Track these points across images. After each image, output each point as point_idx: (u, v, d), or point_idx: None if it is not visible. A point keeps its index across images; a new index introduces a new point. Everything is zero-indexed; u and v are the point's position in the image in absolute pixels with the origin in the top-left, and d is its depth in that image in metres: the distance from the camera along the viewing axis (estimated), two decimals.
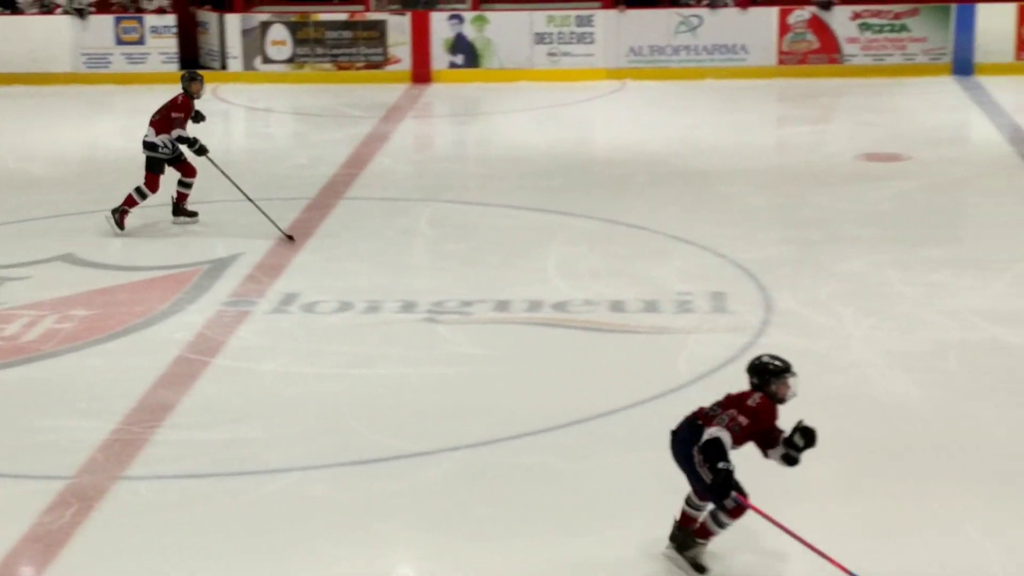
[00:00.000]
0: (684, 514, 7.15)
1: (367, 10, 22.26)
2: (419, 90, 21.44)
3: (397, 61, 22.00)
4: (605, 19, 21.62)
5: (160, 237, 13.59)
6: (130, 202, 13.58)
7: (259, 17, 22.20)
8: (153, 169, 13.59)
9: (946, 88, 20.48)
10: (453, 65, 21.90)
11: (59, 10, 22.46)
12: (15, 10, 22.80)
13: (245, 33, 22.08)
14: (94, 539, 7.67)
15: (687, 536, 7.11)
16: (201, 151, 13.44)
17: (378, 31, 21.97)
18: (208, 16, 22.35)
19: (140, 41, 22.20)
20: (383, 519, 7.81)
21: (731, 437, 6.74)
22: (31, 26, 22.47)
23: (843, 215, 13.83)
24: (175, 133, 13.44)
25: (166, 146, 13.50)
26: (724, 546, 7.17)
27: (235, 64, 22.11)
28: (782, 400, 6.92)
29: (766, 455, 7.01)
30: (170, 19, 22.21)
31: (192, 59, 22.13)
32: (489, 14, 21.89)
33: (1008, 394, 9.35)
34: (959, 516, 7.63)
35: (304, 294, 11.66)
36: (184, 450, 8.77)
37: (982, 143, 17.32)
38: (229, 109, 20.61)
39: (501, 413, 9.19)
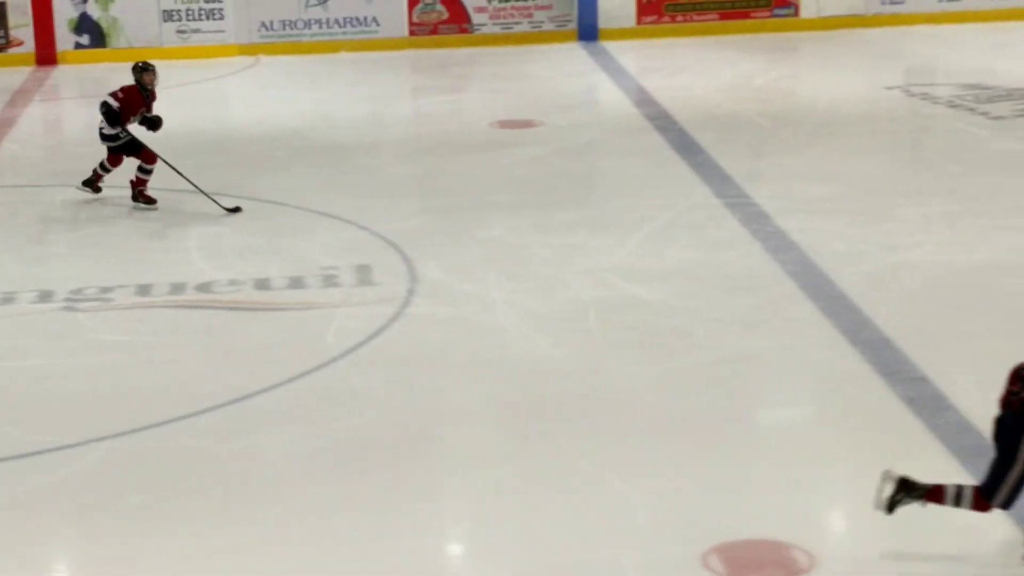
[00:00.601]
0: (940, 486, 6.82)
1: None
2: (45, 73, 20.72)
3: (20, 43, 21.18)
4: None
5: None
6: (97, 176, 13.53)
7: None
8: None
9: (573, 54, 21.05)
10: (79, 46, 21.23)
11: None
12: None
13: None
14: None
15: (919, 490, 6.77)
16: None
17: None
18: None
19: None
20: (33, 517, 7.59)
21: None
22: None
23: (481, 182, 14.11)
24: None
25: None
26: None
27: None
28: None
29: None
30: None
31: None
32: None
33: (643, 349, 9.74)
34: (602, 467, 7.89)
35: None
36: None
37: (610, 107, 17.91)
38: None
39: (149, 399, 9.02)
